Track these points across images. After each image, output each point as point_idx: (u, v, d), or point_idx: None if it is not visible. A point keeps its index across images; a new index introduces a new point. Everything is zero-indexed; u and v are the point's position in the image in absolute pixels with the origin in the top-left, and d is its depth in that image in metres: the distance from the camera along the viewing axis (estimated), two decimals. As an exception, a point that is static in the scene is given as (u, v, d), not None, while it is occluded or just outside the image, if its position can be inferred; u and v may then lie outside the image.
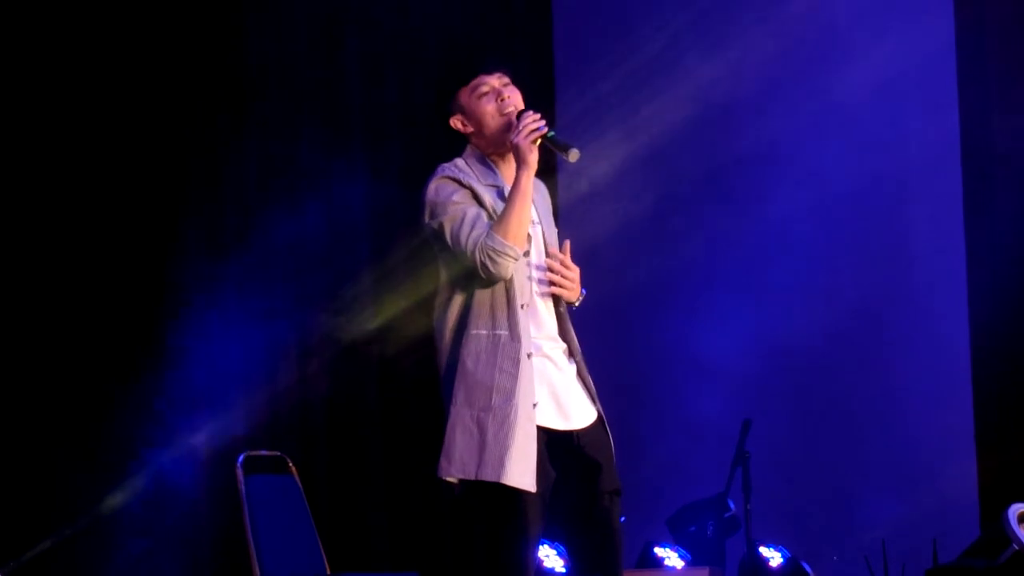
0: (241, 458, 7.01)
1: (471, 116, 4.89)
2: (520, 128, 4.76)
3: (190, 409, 8.21)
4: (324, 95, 8.72)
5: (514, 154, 4.78)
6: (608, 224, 9.05)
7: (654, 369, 9.11)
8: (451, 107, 4.92)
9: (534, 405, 4.73)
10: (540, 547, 7.19)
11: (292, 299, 8.55)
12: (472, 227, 4.73)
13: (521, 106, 4.86)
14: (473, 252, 4.71)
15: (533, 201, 4.84)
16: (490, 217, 4.77)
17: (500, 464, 4.67)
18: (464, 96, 4.90)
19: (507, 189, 4.81)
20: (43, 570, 7.86)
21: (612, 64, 9.22)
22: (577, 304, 4.93)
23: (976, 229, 8.60)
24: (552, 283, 4.85)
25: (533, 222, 4.86)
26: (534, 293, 4.83)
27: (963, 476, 8.43)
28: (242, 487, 6.92)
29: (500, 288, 4.77)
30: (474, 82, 4.89)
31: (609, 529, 4.80)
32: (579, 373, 4.89)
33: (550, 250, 4.90)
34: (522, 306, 4.78)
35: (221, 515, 7.96)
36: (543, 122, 4.78)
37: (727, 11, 9.11)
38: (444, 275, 4.86)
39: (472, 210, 4.77)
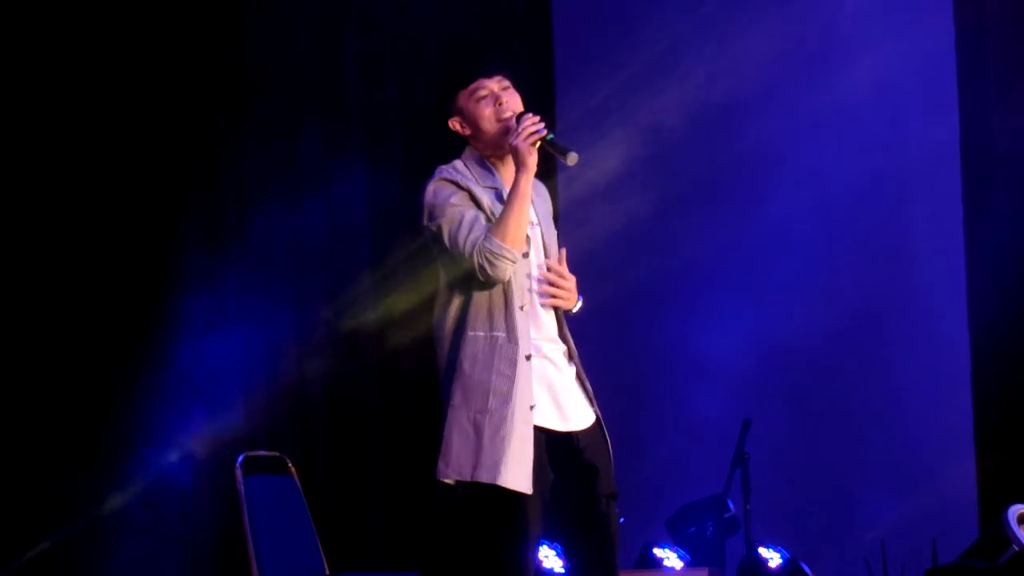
0: (240, 458, 7.00)
1: (469, 119, 4.89)
2: (519, 131, 4.76)
3: (190, 409, 8.21)
4: (324, 95, 8.71)
5: (513, 157, 4.78)
6: (608, 224, 9.04)
7: (654, 369, 9.10)
8: (450, 109, 4.92)
9: (532, 407, 4.73)
10: (540, 547, 7.19)
11: (292, 299, 8.55)
12: (470, 229, 4.73)
13: (520, 109, 4.85)
14: (471, 254, 4.70)
15: (532, 203, 4.83)
16: (488, 219, 4.76)
17: (496, 467, 4.67)
18: (463, 99, 4.89)
19: (506, 191, 4.81)
20: (43, 570, 7.87)
21: (612, 64, 9.22)
22: (575, 312, 4.92)
23: (976, 229, 8.58)
24: (549, 294, 4.84)
25: (532, 224, 4.85)
26: (533, 295, 4.83)
27: (963, 476, 8.42)
28: (241, 487, 6.91)
29: (498, 290, 4.77)
30: (473, 85, 4.88)
31: (606, 532, 4.80)
32: (578, 375, 4.88)
33: (547, 260, 4.89)
34: (520, 308, 4.77)
35: (220, 515, 7.96)
36: (542, 125, 4.77)
37: (727, 11, 9.09)
38: (443, 277, 4.85)
39: (470, 212, 4.77)
